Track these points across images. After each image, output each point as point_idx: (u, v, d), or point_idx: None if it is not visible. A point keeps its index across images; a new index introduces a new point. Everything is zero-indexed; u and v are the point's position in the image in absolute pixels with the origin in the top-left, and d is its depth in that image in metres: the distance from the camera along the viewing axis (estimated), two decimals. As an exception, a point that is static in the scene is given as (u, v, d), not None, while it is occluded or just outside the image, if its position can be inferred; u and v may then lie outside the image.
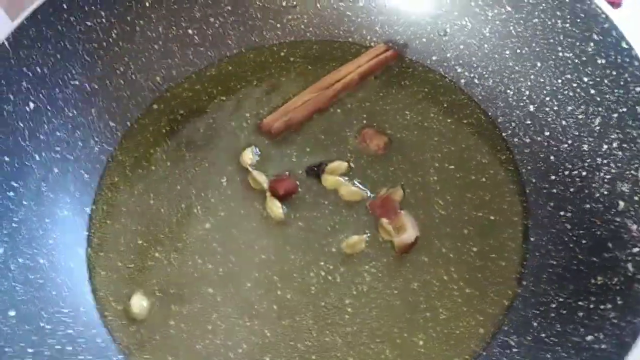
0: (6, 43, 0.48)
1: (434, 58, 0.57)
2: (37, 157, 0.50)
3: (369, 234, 0.49)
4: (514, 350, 0.43)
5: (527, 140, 0.51)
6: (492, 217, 0.49)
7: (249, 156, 0.53)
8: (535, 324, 0.43)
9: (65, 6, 0.51)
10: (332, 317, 0.46)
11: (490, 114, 0.54)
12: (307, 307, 0.47)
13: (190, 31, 0.59)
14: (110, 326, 0.47)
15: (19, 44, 0.49)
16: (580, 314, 0.40)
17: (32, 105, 0.50)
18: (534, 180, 0.50)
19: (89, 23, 0.53)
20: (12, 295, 0.43)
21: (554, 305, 0.43)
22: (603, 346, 0.37)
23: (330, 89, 0.56)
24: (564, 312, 0.42)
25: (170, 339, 0.46)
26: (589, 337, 0.38)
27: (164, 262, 0.49)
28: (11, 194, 0.47)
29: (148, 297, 0.48)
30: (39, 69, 0.50)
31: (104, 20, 0.54)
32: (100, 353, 0.45)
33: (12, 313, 0.42)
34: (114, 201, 0.53)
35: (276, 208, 0.50)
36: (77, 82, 0.53)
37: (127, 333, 0.46)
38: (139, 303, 0.47)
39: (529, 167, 0.51)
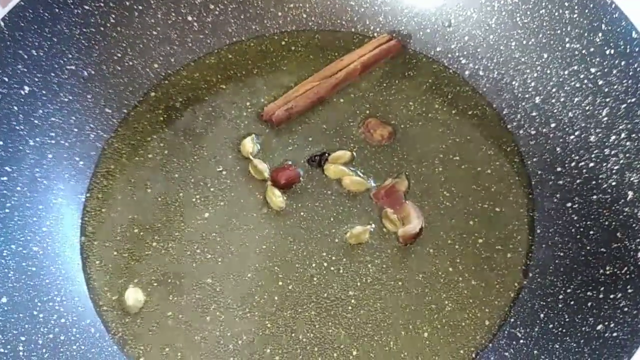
0: (2, 23, 0.46)
1: (438, 49, 0.56)
2: (31, 142, 0.48)
3: (373, 225, 0.48)
4: (521, 341, 0.42)
5: (533, 132, 0.51)
6: (497, 209, 0.49)
7: (249, 145, 0.52)
8: (542, 315, 0.42)
9: (63, -12, 0.50)
10: (335, 308, 0.45)
11: (495, 105, 0.53)
12: (310, 298, 0.45)
13: (189, 18, 0.58)
14: (105, 316, 0.45)
15: (15, 25, 0.47)
16: (590, 304, 0.40)
17: (27, 88, 0.48)
18: (539, 172, 0.49)
19: (86, 7, 0.52)
20: (4, 282, 0.42)
21: (561, 297, 0.42)
22: (615, 334, 0.36)
23: (333, 77, 0.55)
24: (572, 302, 0.41)
25: (167, 330, 0.45)
26: (599, 327, 0.38)
27: (162, 251, 0.48)
28: (4, 178, 0.46)
29: (144, 289, 0.46)
30: (34, 52, 0.49)
31: (102, 4, 0.53)
32: (95, 343, 0.44)
33: (4, 300, 0.41)
34: (109, 189, 0.51)
35: (276, 198, 0.49)
36: (73, 67, 0.52)
37: (122, 324, 0.45)
38: (134, 296, 0.46)
39: (535, 159, 0.50)
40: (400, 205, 0.48)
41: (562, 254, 0.45)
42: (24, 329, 0.40)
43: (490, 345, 0.43)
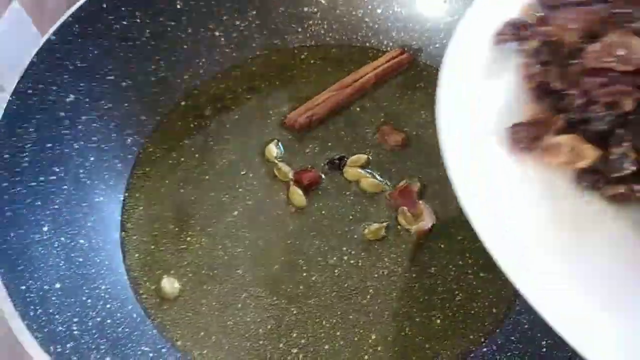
0: (52, 37, 0.51)
1: (446, 62, 0.61)
2: (76, 146, 0.53)
3: (388, 223, 0.52)
4: (526, 326, 0.46)
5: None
6: (502, 208, 0.53)
7: (274, 150, 0.57)
8: (545, 303, 0.46)
9: (105, 5, 0.55)
10: (355, 297, 0.49)
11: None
12: (332, 288, 0.50)
13: (217, 33, 0.63)
14: (144, 303, 0.50)
15: (64, 39, 0.52)
16: (588, 291, 0.44)
17: (72, 96, 0.53)
18: (541, 175, 0.54)
19: (125, 22, 0.57)
20: (57, 270, 0.46)
21: (562, 286, 0.46)
22: (611, 316, 0.40)
23: (349, 87, 0.59)
24: (572, 291, 0.45)
25: (202, 316, 0.49)
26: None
27: (195, 245, 0.52)
28: (53, 177, 0.50)
29: (179, 279, 0.51)
30: (79, 63, 0.54)
31: (138, 20, 0.58)
32: (137, 327, 0.48)
33: (57, 285, 0.45)
34: (145, 189, 0.56)
35: (298, 196, 0.54)
36: (112, 77, 0.57)
37: (160, 310, 0.49)
38: (170, 284, 0.50)
39: (537, 163, 0.54)
40: (414, 204, 0.52)
41: (562, 248, 0.49)
42: (75, 312, 0.44)
43: (498, 330, 0.47)
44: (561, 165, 0.31)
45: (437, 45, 0.62)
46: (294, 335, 0.48)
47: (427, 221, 0.51)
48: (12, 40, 0.53)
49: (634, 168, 0.29)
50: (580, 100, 0.31)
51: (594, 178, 0.31)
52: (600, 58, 0.30)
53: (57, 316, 0.42)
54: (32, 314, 0.40)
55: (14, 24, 0.53)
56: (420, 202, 0.52)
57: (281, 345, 0.47)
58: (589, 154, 0.30)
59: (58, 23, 0.52)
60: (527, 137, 0.32)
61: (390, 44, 0.63)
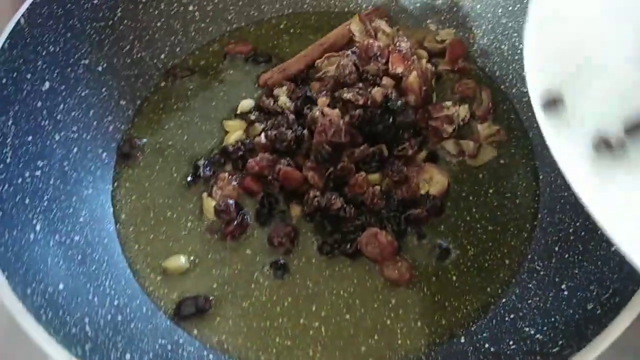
0: (22, 20, 0.47)
1: (428, 21, 0.60)
2: (57, 137, 0.50)
3: (392, 186, 0.52)
4: (542, 273, 0.46)
5: (525, 90, 0.55)
6: (502, 161, 0.53)
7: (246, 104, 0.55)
8: (557, 248, 0.47)
9: (72, -17, 0.51)
10: (370, 264, 0.48)
11: (487, 69, 0.58)
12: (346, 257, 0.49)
13: (190, 8, 0.60)
14: (152, 295, 0.47)
15: (33, 23, 0.48)
16: (600, 231, 0.45)
17: (47, 84, 0.50)
18: (536, 125, 0.54)
19: (95, 1, 0.53)
20: (57, 271, 0.43)
21: (572, 230, 0.47)
22: (630, 253, 0.41)
23: (321, 45, 0.58)
24: (583, 233, 0.46)
25: (215, 301, 0.47)
26: (613, 248, 0.42)
27: (197, 230, 0.50)
28: (38, 172, 0.47)
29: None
30: (51, 48, 0.50)
31: (108, -2, 0.55)
32: (149, 320, 0.45)
33: (61, 286, 0.42)
34: (135, 178, 0.53)
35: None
36: (87, 61, 0.53)
37: (170, 300, 0.47)
38: (176, 260, 0.48)
39: (530, 113, 0.55)
40: (422, 168, 0.51)
41: (566, 194, 0.50)
42: (85, 311, 0.42)
43: (513, 280, 0.48)
44: None
45: (417, 4, 0.61)
46: (314, 308, 0.47)
47: (442, 182, 0.51)
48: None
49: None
50: None
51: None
52: None
53: (67, 318, 0.39)
54: (43, 318, 0.37)
55: None
56: (426, 164, 0.52)
57: (302, 320, 0.46)
58: None
59: (26, 5, 0.48)
60: None
61: (370, 7, 0.62)
